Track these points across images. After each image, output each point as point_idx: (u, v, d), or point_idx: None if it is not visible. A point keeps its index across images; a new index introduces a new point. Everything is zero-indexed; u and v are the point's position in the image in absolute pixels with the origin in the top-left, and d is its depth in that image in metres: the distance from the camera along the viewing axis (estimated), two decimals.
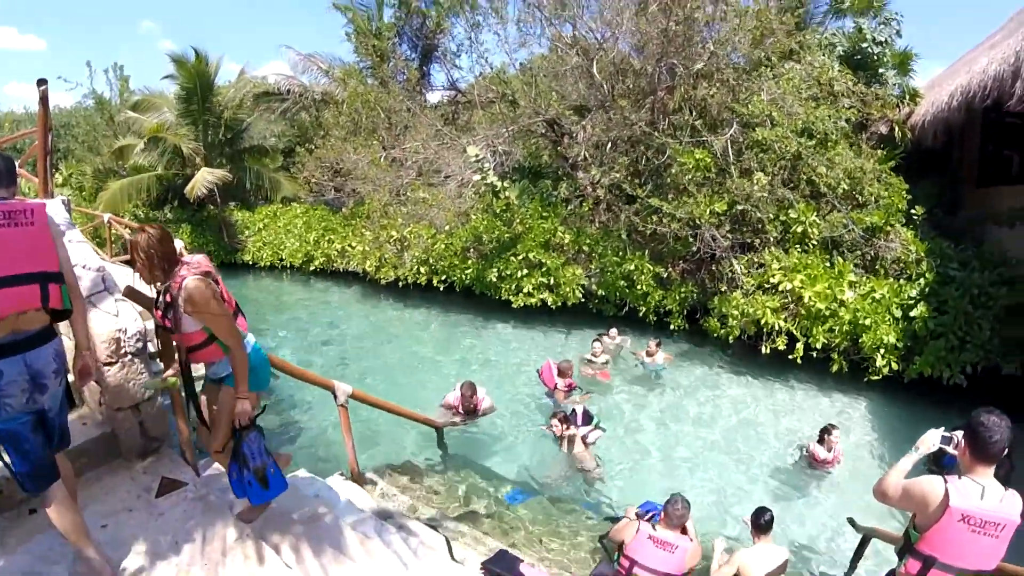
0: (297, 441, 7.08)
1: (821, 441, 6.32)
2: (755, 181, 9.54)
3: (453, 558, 4.00)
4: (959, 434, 2.64)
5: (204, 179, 16.83)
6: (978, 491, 2.51)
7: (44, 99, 5.00)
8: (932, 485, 2.56)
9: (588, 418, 6.29)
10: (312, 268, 16.17)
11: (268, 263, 17.27)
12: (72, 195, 19.07)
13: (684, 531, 4.12)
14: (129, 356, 3.49)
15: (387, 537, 3.91)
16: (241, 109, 19.31)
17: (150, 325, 5.33)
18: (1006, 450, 2.55)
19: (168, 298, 2.79)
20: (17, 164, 5.99)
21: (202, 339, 2.85)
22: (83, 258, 3.79)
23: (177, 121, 18.66)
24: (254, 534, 3.18)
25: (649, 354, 8.85)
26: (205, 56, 17.61)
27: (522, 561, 3.91)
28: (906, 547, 2.70)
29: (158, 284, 2.86)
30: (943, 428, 2.73)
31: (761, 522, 4.33)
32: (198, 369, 3.15)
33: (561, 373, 7.58)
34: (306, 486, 4.48)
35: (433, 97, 18.44)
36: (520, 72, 15.57)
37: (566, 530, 4.98)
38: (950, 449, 2.68)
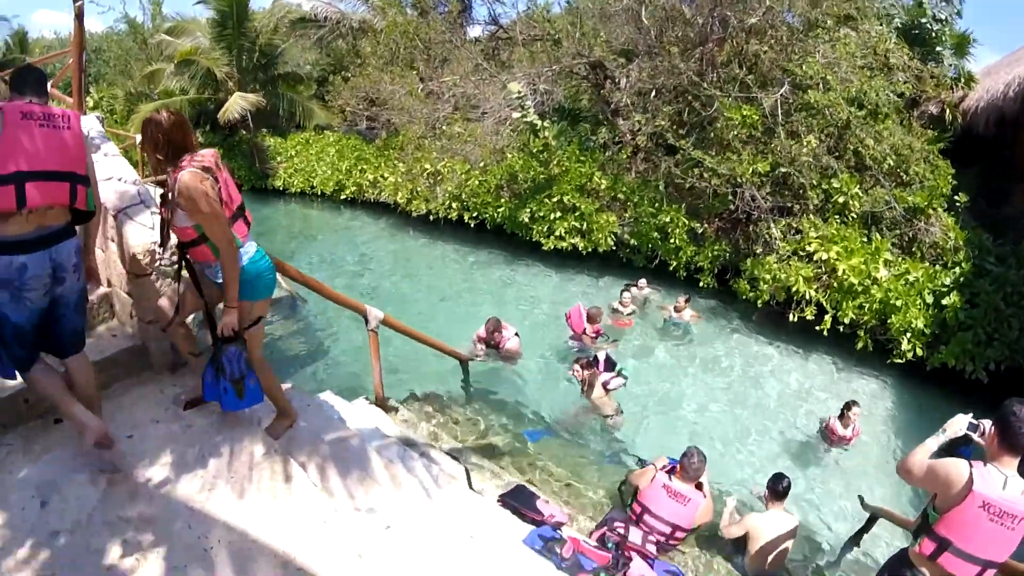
0: (323, 363, 7.26)
1: (841, 416, 6.30)
2: (805, 143, 9.26)
3: (472, 489, 4.13)
4: (987, 423, 2.62)
5: (237, 104, 16.66)
6: (1001, 480, 2.51)
7: (80, 15, 4.92)
8: (958, 467, 2.56)
9: (611, 365, 6.34)
10: (343, 197, 16.10)
11: (299, 190, 17.22)
12: (103, 117, 19.07)
13: (699, 487, 4.19)
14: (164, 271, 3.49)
15: (410, 463, 4.01)
16: (276, 35, 18.98)
17: None
18: None
19: (168, 189, 2.72)
20: (49, 85, 6.01)
21: (193, 236, 2.73)
22: (120, 171, 3.82)
23: (211, 46, 18.36)
24: (281, 451, 3.20)
25: (677, 310, 8.82)
26: None
27: (538, 497, 4.03)
28: (923, 527, 2.71)
29: (160, 171, 2.80)
30: (971, 414, 2.71)
31: (779, 488, 4.35)
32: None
33: (590, 319, 7.60)
34: (332, 408, 4.58)
35: (473, 32, 17.97)
36: (566, 11, 15.05)
37: (582, 472, 5.10)
38: (975, 436, 2.68)
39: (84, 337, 2.88)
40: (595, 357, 6.28)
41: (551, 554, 3.23)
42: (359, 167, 15.91)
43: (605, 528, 3.78)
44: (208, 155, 2.73)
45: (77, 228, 2.72)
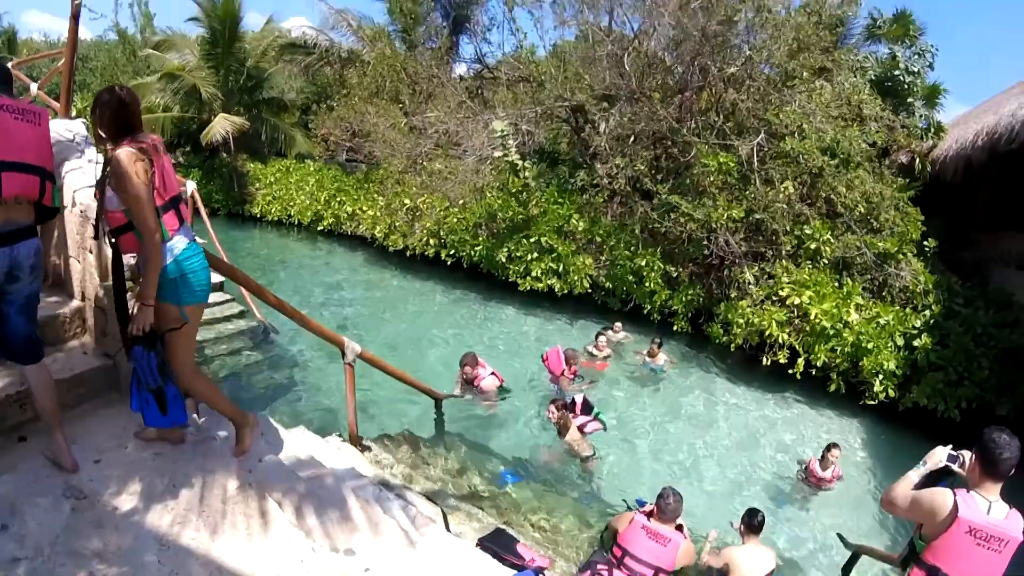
0: (294, 396, 7.09)
1: (822, 459, 6.35)
2: (782, 190, 9.52)
3: (449, 531, 4.03)
4: (966, 453, 2.69)
5: (222, 125, 16.65)
6: (985, 506, 2.59)
7: (76, 15, 4.85)
8: (943, 496, 2.63)
9: (588, 409, 6.32)
10: (320, 228, 16.07)
11: (276, 218, 17.15)
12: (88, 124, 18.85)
13: (679, 528, 4.17)
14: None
15: (386, 505, 3.89)
16: (264, 58, 19.09)
17: None
18: (1013, 469, 2.61)
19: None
20: (36, 86, 5.86)
21: (122, 222, 2.64)
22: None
23: (199, 64, 18.41)
24: (256, 486, 3.08)
25: (651, 355, 8.86)
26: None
27: (518, 541, 3.95)
28: (911, 556, 2.77)
29: (100, 148, 2.75)
30: (950, 446, 2.77)
31: (754, 523, 4.47)
32: None
33: (568, 360, 7.60)
34: (306, 444, 4.47)
35: (459, 69, 18.30)
36: (550, 55, 15.42)
37: (560, 515, 5.03)
38: (955, 467, 2.75)
39: (40, 347, 2.78)
40: (572, 400, 6.26)
41: None
42: (338, 199, 15.91)
43: (588, 572, 3.72)
44: (151, 138, 2.70)
45: (37, 228, 2.70)
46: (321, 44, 19.19)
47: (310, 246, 15.94)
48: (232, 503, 2.95)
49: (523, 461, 6.14)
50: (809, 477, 6.44)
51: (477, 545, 3.82)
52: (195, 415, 3.59)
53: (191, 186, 8.62)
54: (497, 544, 3.82)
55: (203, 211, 8.67)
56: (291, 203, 16.91)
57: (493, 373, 7.08)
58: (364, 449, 5.25)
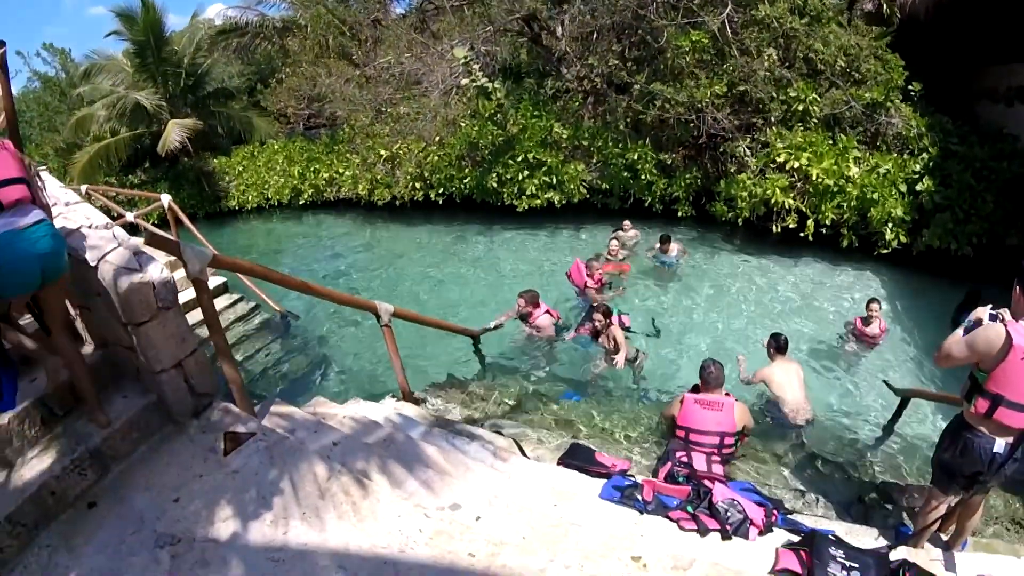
0: (333, 373, 7.13)
1: (866, 316, 6.48)
2: (765, 58, 9.30)
3: (527, 458, 4.13)
4: (1005, 311, 2.73)
5: (174, 132, 16.06)
6: None
7: (3, 64, 4.45)
8: (995, 329, 2.69)
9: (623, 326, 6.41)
10: (301, 202, 15.72)
11: (255, 205, 16.68)
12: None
13: (726, 394, 4.31)
14: (163, 311, 3.19)
15: (465, 448, 3.99)
16: (199, 53, 18.27)
17: (179, 275, 5.23)
18: None
19: None
20: None
21: None
22: (87, 217, 3.52)
23: (133, 78, 17.62)
24: (342, 468, 3.03)
25: (663, 249, 8.79)
26: (153, 5, 16.29)
27: (595, 451, 4.06)
28: (974, 388, 2.84)
29: None
30: (990, 306, 2.83)
31: (780, 343, 5.28)
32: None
33: (590, 270, 7.61)
34: (365, 412, 4.52)
35: (399, 9, 17.50)
36: None
37: (622, 419, 5.14)
38: (997, 325, 2.78)
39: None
40: (606, 307, 6.27)
41: (632, 501, 3.26)
42: (312, 168, 15.50)
43: (669, 463, 3.83)
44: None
45: None
46: (253, 21, 18.39)
47: (296, 223, 15.62)
48: (328, 491, 2.91)
49: (575, 377, 6.23)
50: (859, 335, 6.56)
51: (559, 463, 3.93)
52: (258, 420, 3.53)
53: (166, 199, 8.35)
54: (578, 458, 3.92)
55: (186, 220, 8.42)
56: (265, 186, 16.45)
57: (548, 311, 6.85)
58: (419, 402, 5.32)
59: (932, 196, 8.24)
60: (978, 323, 2.78)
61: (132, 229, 7.79)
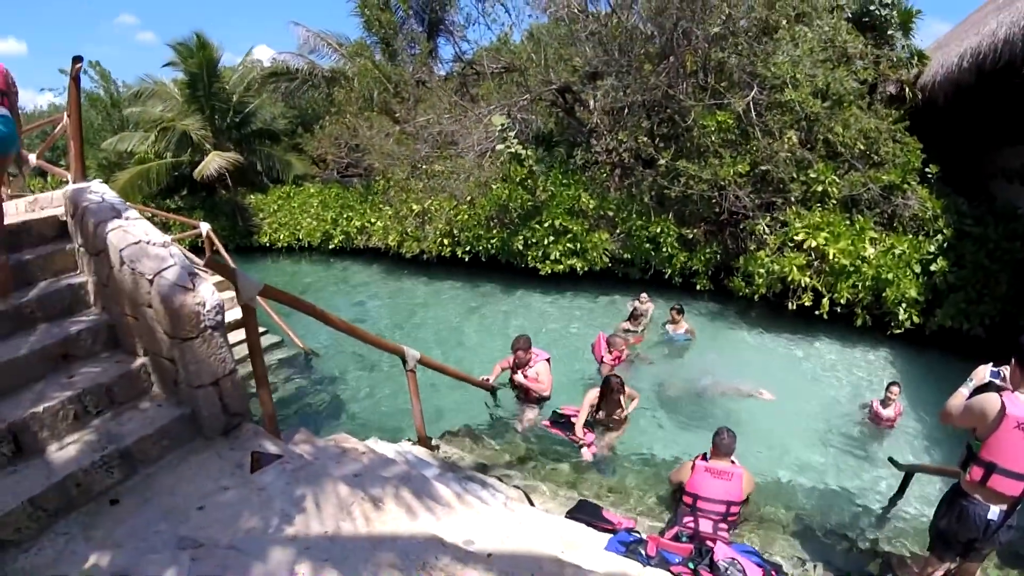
0: (352, 412, 7.33)
1: (884, 398, 6.58)
2: (786, 140, 9.70)
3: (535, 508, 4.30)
4: (1006, 369, 2.93)
5: (215, 161, 16.87)
6: None
7: (77, 77, 4.84)
8: (990, 399, 2.89)
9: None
10: (331, 247, 16.22)
11: (285, 244, 17.27)
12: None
13: (733, 463, 4.45)
14: (209, 330, 3.39)
15: (477, 492, 4.16)
16: (248, 92, 19.26)
17: (227, 295, 5.55)
18: None
19: None
20: (35, 156, 5.97)
21: None
22: (146, 232, 3.69)
23: (183, 108, 18.58)
24: (364, 493, 3.18)
25: (673, 321, 8.86)
26: (209, 42, 17.40)
27: (603, 508, 4.22)
28: (969, 457, 3.03)
29: None
30: (991, 363, 3.02)
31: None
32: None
33: (610, 346, 7.72)
34: (383, 450, 4.70)
35: (441, 71, 18.42)
36: (526, 40, 15.53)
37: (627, 480, 5.28)
38: (998, 381, 3.00)
39: None
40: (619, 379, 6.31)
41: (636, 555, 3.41)
42: (345, 215, 16.06)
43: (676, 527, 3.98)
44: None
45: None
46: (303, 68, 19.40)
47: (325, 267, 16.08)
48: (350, 508, 3.05)
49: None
50: (876, 419, 6.64)
51: (567, 517, 4.09)
52: (284, 443, 3.71)
53: (205, 227, 8.73)
54: (586, 513, 4.08)
55: (222, 250, 8.77)
56: (298, 227, 17.05)
57: (547, 359, 6.82)
58: (434, 448, 5.51)
59: (946, 276, 8.42)
60: (980, 386, 2.97)
61: None
